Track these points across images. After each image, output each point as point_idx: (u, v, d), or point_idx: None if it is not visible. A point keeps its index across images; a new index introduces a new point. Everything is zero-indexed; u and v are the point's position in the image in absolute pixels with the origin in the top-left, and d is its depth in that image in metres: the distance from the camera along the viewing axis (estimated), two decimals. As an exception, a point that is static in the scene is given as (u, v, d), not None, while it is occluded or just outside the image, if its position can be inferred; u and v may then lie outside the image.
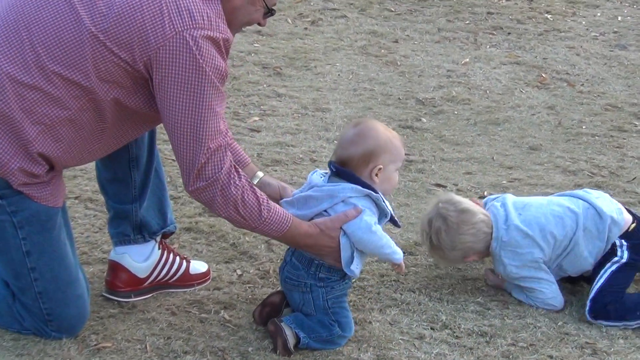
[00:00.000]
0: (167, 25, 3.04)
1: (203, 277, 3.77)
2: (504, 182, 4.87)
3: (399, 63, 6.29)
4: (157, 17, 3.04)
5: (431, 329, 3.61)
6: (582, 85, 6.20)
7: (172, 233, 3.83)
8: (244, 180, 3.22)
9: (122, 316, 3.52)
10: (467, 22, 7.13)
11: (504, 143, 5.34)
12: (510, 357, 3.48)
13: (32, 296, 3.27)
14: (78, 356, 3.28)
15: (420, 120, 5.52)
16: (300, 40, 6.52)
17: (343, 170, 3.36)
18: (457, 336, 3.57)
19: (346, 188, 3.34)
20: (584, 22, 7.32)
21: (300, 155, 4.93)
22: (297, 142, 5.08)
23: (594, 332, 3.66)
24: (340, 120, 5.40)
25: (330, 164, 3.42)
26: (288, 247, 3.49)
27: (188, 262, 3.78)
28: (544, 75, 6.29)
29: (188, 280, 3.75)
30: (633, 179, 4.97)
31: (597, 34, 7.11)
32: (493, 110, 5.72)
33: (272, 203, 3.29)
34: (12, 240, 3.22)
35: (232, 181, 3.17)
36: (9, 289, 3.31)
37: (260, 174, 3.67)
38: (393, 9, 7.25)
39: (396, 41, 6.65)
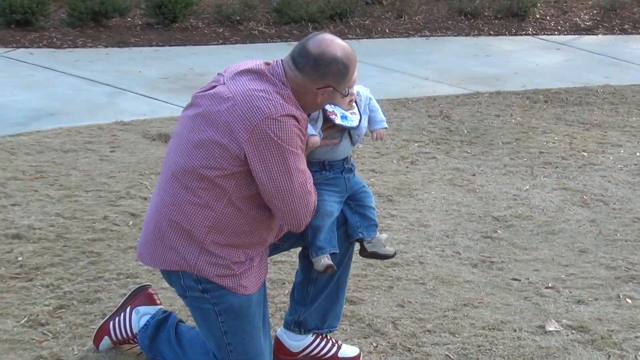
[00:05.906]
0: (247, 123, 2.95)
1: None
2: (563, 276, 4.73)
3: (477, 190, 6.23)
4: (242, 119, 2.96)
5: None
6: (615, 204, 6.04)
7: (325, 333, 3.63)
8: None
9: (291, 378, 3.49)
10: (525, 159, 7.04)
11: (560, 248, 5.20)
12: None
13: None
14: (261, 408, 3.24)
15: (497, 232, 5.43)
16: (403, 175, 6.51)
17: None
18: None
19: None
20: (611, 157, 7.16)
21: (411, 259, 4.88)
22: (408, 250, 5.03)
23: None
24: (438, 233, 5.34)
25: None
26: None
27: (339, 347, 3.64)
28: (585, 197, 6.15)
29: None
30: (660, 272, 4.81)
31: (622, 166, 6.95)
32: (550, 223, 5.60)
33: None
34: (215, 322, 3.22)
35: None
36: (216, 358, 3.31)
37: None
38: (470, 151, 7.20)
39: (474, 174, 6.60)
